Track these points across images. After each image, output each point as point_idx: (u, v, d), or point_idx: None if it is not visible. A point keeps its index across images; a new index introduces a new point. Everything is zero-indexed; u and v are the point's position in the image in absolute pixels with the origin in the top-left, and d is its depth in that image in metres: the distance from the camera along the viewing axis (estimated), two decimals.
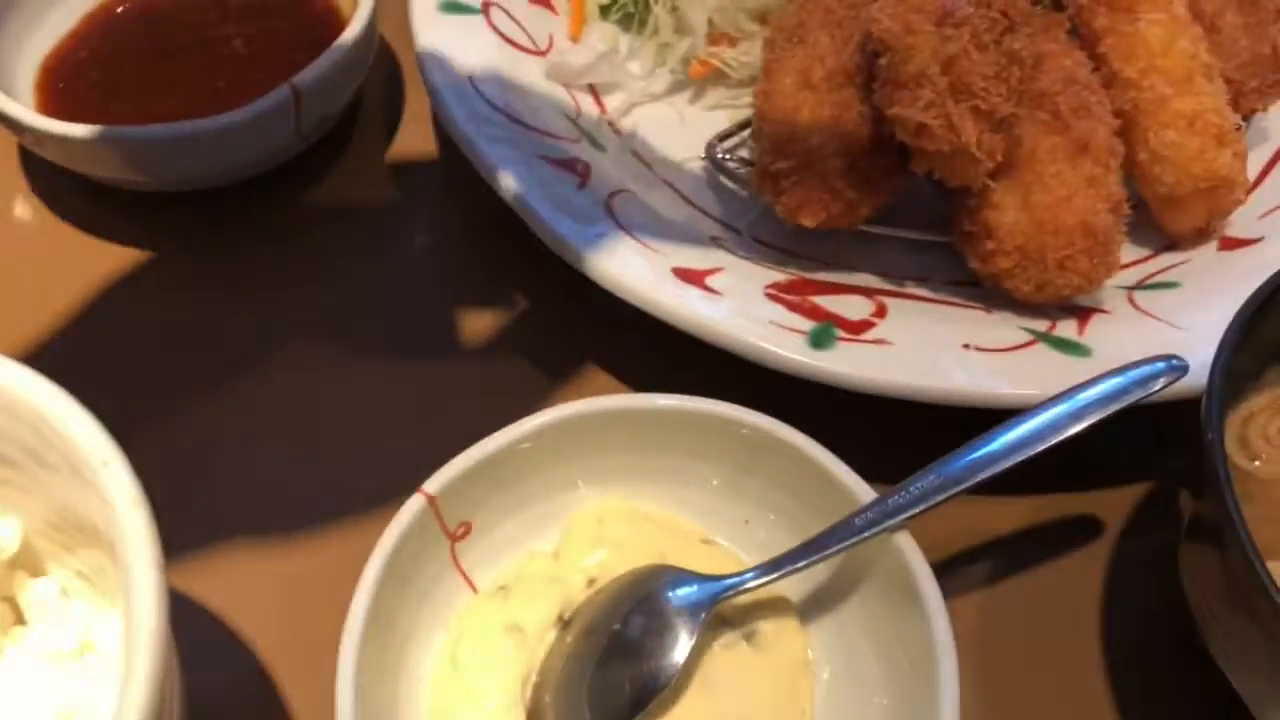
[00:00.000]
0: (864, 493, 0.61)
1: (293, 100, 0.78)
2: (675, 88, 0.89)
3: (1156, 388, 0.61)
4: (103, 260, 0.83)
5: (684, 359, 0.71)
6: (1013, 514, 0.73)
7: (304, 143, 0.84)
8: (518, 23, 0.87)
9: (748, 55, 0.87)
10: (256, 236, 0.85)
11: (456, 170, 0.81)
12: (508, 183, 0.74)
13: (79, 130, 0.75)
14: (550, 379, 0.77)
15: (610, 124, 0.86)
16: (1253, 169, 0.82)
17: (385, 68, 0.95)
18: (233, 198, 0.85)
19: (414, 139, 0.91)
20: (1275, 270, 0.59)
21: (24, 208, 0.86)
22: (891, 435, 0.67)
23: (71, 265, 0.82)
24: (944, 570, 0.69)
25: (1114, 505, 0.73)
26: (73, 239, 0.84)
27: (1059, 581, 0.70)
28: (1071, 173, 0.70)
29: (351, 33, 0.81)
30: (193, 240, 0.85)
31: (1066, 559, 0.71)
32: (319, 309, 0.81)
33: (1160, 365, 0.62)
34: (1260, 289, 0.59)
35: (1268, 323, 0.61)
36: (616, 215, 0.75)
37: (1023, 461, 0.60)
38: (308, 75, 0.78)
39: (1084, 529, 0.73)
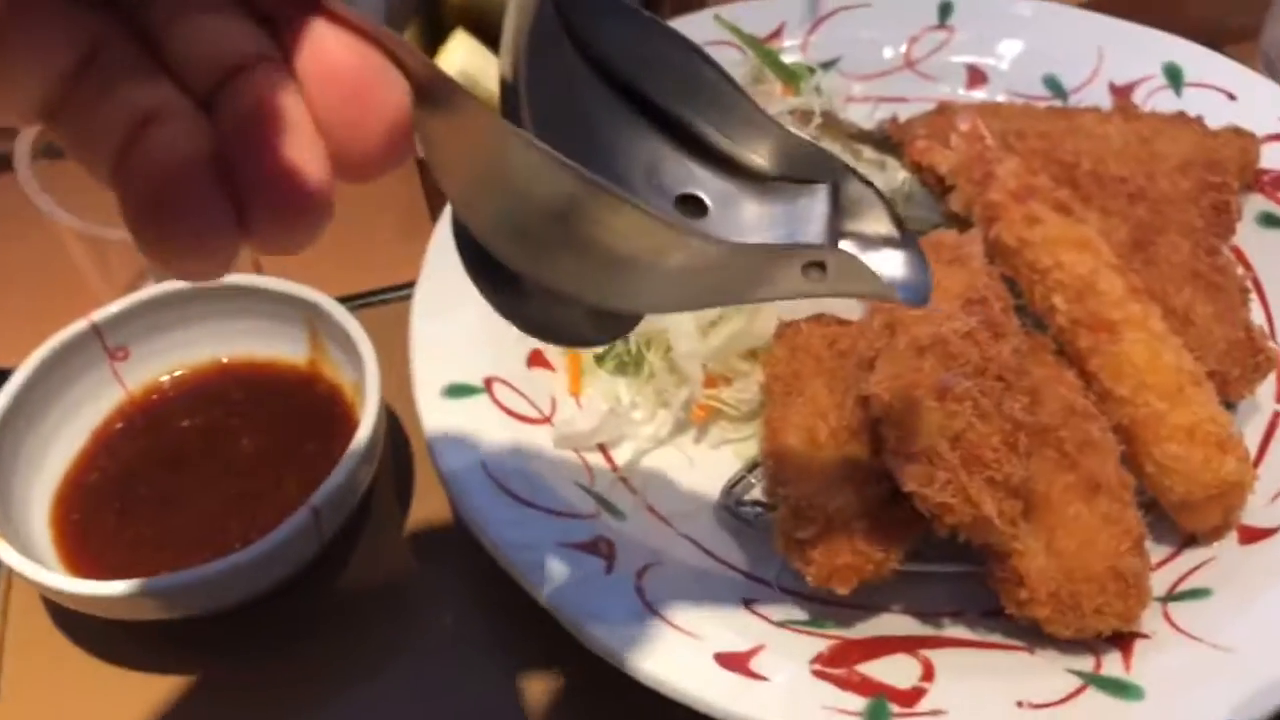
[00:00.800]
0: None
1: (313, 520, 0.79)
2: (678, 429, 0.91)
3: None
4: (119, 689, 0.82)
5: None
6: None
7: (323, 548, 0.85)
8: (519, 392, 0.89)
9: (745, 393, 0.89)
10: (278, 646, 0.84)
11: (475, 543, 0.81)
12: (536, 583, 0.75)
13: (108, 589, 0.76)
14: None
15: (624, 481, 0.87)
16: (1250, 447, 0.84)
17: (392, 439, 0.96)
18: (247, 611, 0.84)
19: (429, 509, 0.91)
20: None
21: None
22: None
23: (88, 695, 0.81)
24: None
25: None
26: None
27: None
28: (1089, 514, 0.71)
29: (362, 436, 0.82)
30: (222, 658, 0.84)
31: None
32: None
33: None
34: None
35: None
36: (648, 598, 0.75)
37: None
38: (325, 492, 0.79)
39: None
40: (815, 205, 0.49)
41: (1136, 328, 0.78)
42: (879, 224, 0.50)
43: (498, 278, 0.51)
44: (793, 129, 0.50)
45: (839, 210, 0.49)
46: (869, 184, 0.49)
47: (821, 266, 0.47)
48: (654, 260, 0.45)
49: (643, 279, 0.47)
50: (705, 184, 0.50)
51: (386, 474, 0.94)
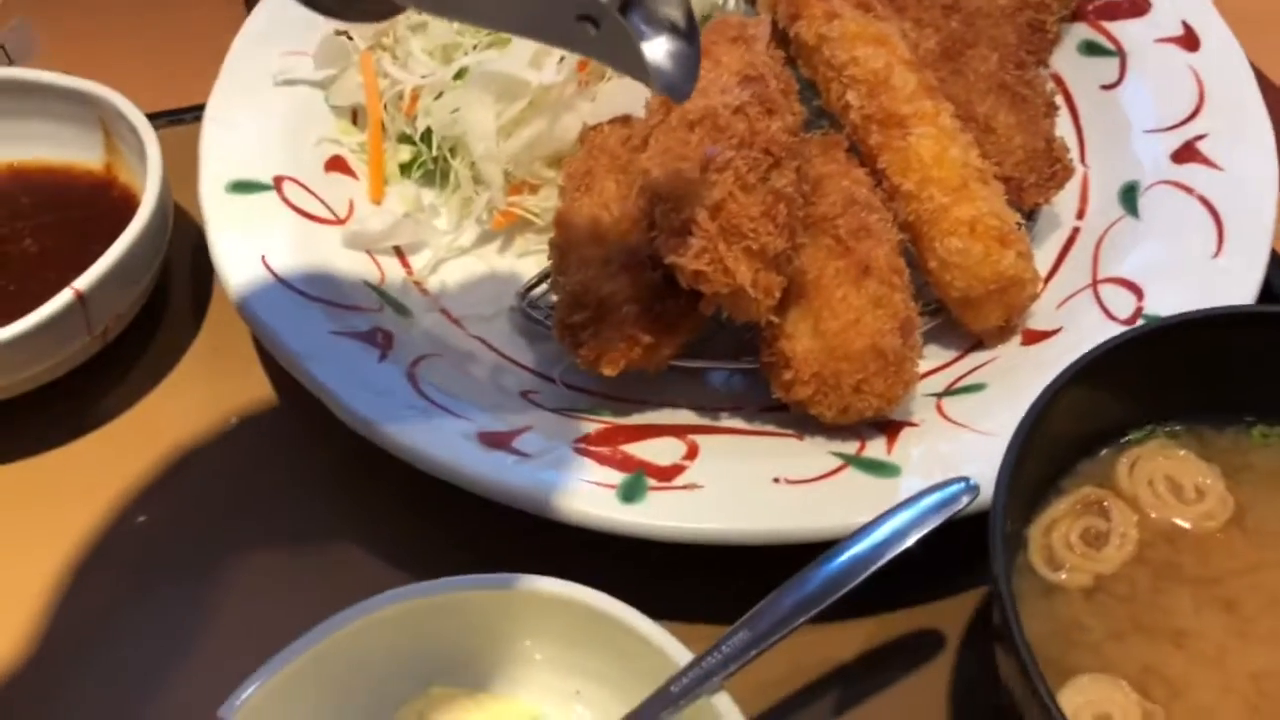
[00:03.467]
0: (679, 654, 0.59)
1: (78, 305, 0.76)
2: (483, 239, 0.89)
3: (958, 509, 0.62)
4: None
5: (513, 528, 0.69)
6: (857, 637, 0.72)
7: (104, 341, 0.82)
8: (313, 193, 0.86)
9: (549, 201, 0.87)
10: (55, 440, 0.82)
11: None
12: (303, 365, 0.73)
13: None
14: (364, 565, 0.74)
15: (417, 284, 0.85)
16: (1046, 259, 0.85)
17: (193, 239, 0.92)
18: (29, 404, 0.82)
19: (227, 312, 0.89)
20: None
21: None
22: (721, 576, 0.67)
23: None
24: (792, 704, 0.69)
25: (953, 615, 0.73)
26: None
27: (905, 701, 0.70)
28: (856, 296, 0.70)
29: (135, 226, 0.79)
30: None
31: (911, 676, 0.71)
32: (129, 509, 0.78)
33: (957, 487, 0.62)
34: (1036, 402, 0.60)
35: (1056, 424, 0.61)
36: (420, 384, 0.74)
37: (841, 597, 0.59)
38: (90, 277, 0.76)
39: (926, 643, 0.72)
40: None
41: (926, 123, 0.77)
42: (671, 8, 0.50)
43: None
44: None
45: None
46: None
47: (595, 23, 0.47)
48: None
49: None
50: None
51: (184, 289, 0.92)
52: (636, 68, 0.50)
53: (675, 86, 0.51)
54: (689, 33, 0.50)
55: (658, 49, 0.50)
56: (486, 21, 0.53)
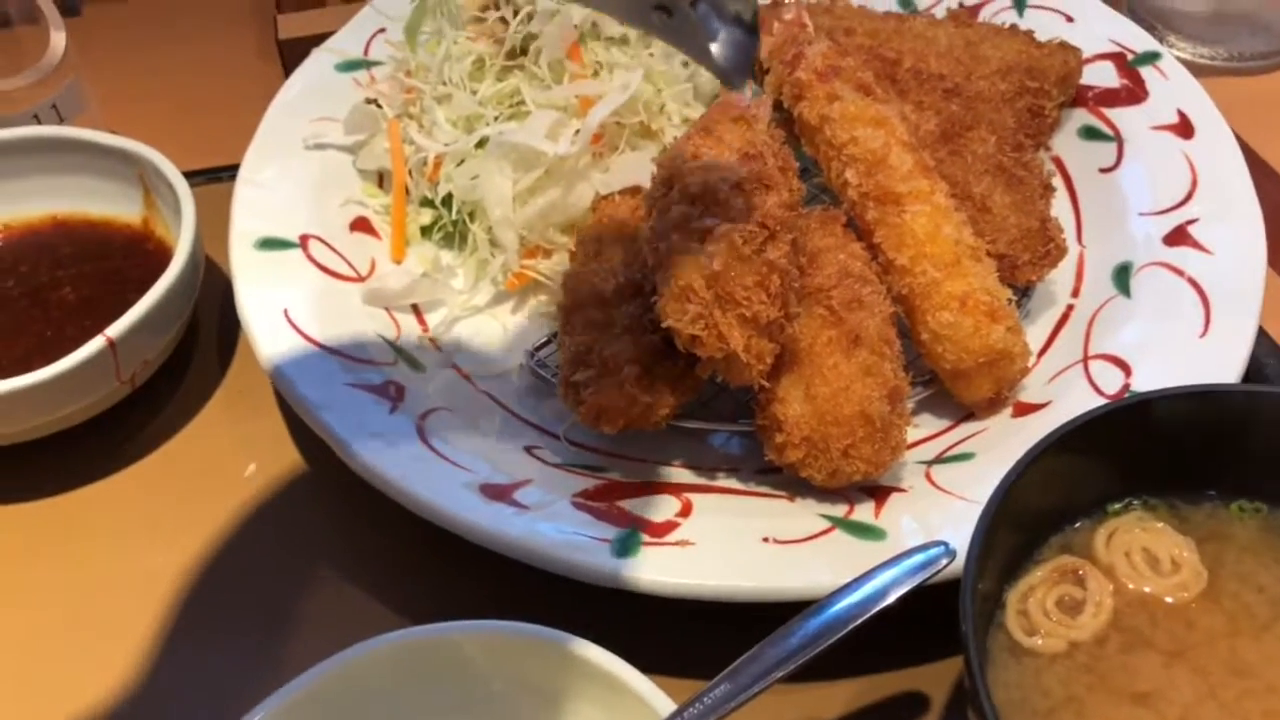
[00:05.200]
0: (663, 704, 0.61)
1: (108, 350, 0.80)
2: (497, 299, 0.93)
3: (936, 570, 0.64)
4: None
5: (513, 578, 0.72)
6: (842, 697, 0.74)
7: (132, 386, 0.86)
8: (337, 252, 0.91)
9: (561, 265, 0.91)
10: (83, 479, 0.85)
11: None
12: (316, 414, 0.76)
13: None
14: (368, 610, 0.77)
15: (432, 341, 0.89)
16: (1040, 335, 0.88)
17: (222, 291, 0.97)
18: (58, 445, 0.86)
19: (251, 361, 0.93)
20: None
21: None
22: (710, 630, 0.69)
23: None
24: None
25: (939, 680, 0.74)
26: None
27: None
28: (847, 364, 0.73)
29: (167, 279, 0.84)
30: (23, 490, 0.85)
31: None
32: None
33: (936, 550, 0.64)
34: (1012, 469, 0.62)
35: (1033, 492, 0.63)
36: (428, 436, 0.77)
37: (820, 653, 0.61)
38: (122, 325, 0.81)
39: (911, 706, 0.74)
40: None
41: (921, 201, 0.80)
42: (739, 3, 0.55)
43: None
44: None
45: None
46: None
47: (669, 12, 0.53)
48: None
49: None
50: None
51: (210, 338, 0.96)
52: (700, 54, 0.56)
53: (731, 74, 0.56)
54: (751, 27, 0.55)
55: (721, 39, 0.55)
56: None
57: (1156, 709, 0.59)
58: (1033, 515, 0.65)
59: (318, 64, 1.04)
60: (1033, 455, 0.62)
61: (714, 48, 0.55)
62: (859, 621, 0.61)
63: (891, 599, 0.62)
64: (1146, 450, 0.67)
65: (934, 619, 0.65)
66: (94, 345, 0.80)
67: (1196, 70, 1.04)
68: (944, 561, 0.64)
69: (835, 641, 0.61)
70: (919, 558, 0.64)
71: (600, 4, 0.60)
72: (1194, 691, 0.60)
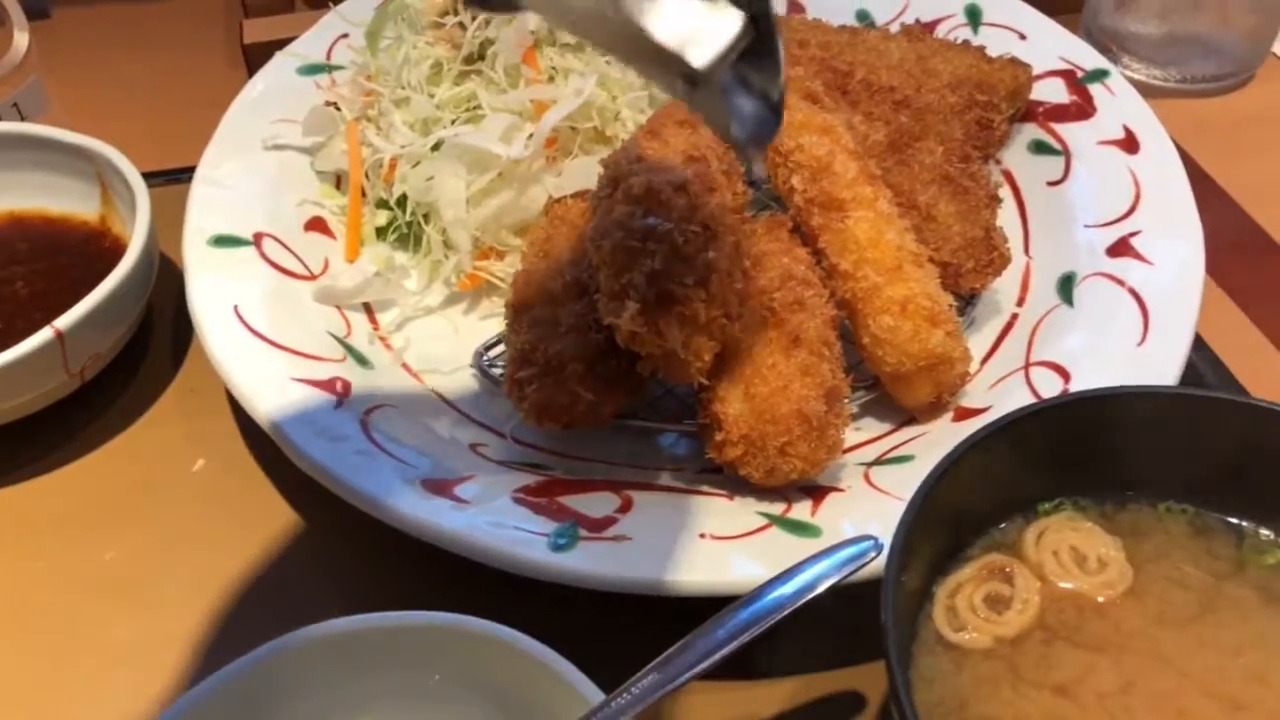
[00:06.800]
0: (592, 693, 0.62)
1: (56, 343, 0.81)
2: (450, 300, 0.94)
3: (863, 564, 0.64)
4: None
5: (454, 571, 0.72)
6: (780, 696, 0.74)
7: (81, 379, 0.86)
8: (291, 250, 0.91)
9: (514, 267, 0.92)
10: (30, 472, 0.86)
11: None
12: (261, 407, 0.77)
13: None
14: (312, 599, 0.77)
15: (382, 339, 0.89)
16: (985, 342, 0.89)
17: (179, 290, 0.97)
18: (7, 437, 0.86)
19: (205, 359, 0.93)
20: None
21: None
22: (645, 624, 0.69)
23: None
24: None
25: (876, 679, 0.75)
26: None
27: None
28: (786, 364, 0.74)
29: (118, 274, 0.84)
30: None
31: None
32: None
33: (865, 545, 0.65)
34: (936, 466, 0.63)
35: (958, 493, 0.64)
36: (371, 431, 0.78)
37: (751, 644, 0.62)
38: (70, 318, 0.81)
39: (846, 704, 0.74)
40: (730, 24, 0.50)
41: (864, 207, 0.82)
42: (767, 81, 0.52)
43: None
44: None
45: (748, 41, 0.50)
46: (777, 40, 0.50)
47: (693, 84, 0.50)
48: None
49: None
50: None
51: (165, 336, 0.96)
52: (719, 128, 0.53)
53: (747, 148, 0.54)
54: (775, 107, 0.53)
55: (743, 111, 0.52)
56: (605, 49, 0.59)
57: (1076, 698, 0.60)
58: (962, 513, 0.66)
59: (280, 67, 1.05)
60: (957, 454, 0.63)
61: (737, 130, 0.52)
62: (786, 612, 0.61)
63: (819, 590, 0.63)
64: (1077, 451, 0.68)
65: (873, 621, 0.66)
66: (41, 336, 0.80)
67: (1149, 91, 1.06)
68: (871, 555, 0.65)
69: (762, 632, 0.61)
70: (847, 551, 0.64)
71: (626, 59, 0.55)
72: (1114, 682, 0.60)
